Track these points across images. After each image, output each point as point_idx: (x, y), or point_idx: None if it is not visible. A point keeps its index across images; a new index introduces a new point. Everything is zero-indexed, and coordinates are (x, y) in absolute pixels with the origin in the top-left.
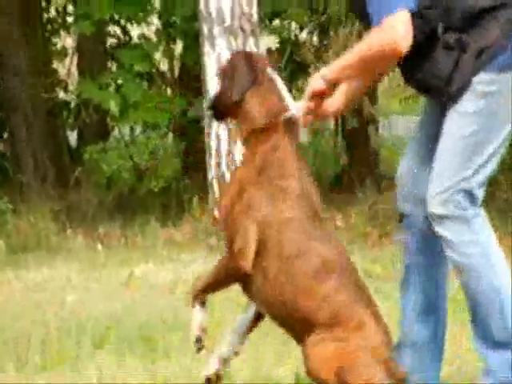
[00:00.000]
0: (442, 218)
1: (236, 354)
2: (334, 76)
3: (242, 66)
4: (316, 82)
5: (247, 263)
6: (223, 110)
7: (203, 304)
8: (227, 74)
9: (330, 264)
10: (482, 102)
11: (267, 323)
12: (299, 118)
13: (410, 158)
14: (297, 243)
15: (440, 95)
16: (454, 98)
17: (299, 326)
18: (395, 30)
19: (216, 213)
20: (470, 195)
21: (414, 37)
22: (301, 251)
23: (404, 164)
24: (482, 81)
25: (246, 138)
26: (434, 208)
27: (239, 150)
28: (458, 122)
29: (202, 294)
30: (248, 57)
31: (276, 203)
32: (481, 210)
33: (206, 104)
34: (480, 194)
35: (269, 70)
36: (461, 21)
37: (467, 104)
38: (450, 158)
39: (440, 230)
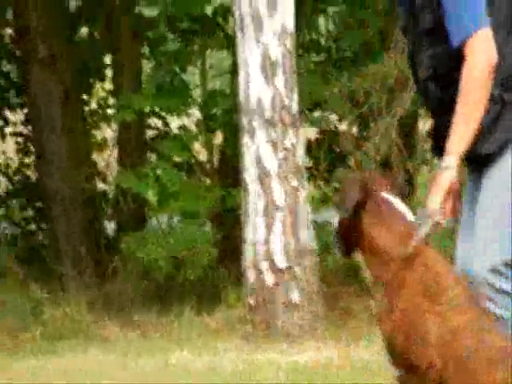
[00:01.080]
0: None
1: None
2: (460, 156)
3: (351, 185)
4: (447, 176)
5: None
6: (346, 239)
7: None
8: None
9: (503, 351)
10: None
11: None
12: (441, 223)
13: (464, 240)
14: (470, 344)
15: (477, 154)
16: (492, 157)
17: None
18: (481, 53)
19: None
20: None
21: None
22: (474, 350)
23: (459, 249)
24: None
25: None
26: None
27: (275, 238)
28: (496, 190)
29: None
30: (359, 179)
31: (446, 317)
32: None
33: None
34: None
35: (383, 192)
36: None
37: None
38: (491, 232)
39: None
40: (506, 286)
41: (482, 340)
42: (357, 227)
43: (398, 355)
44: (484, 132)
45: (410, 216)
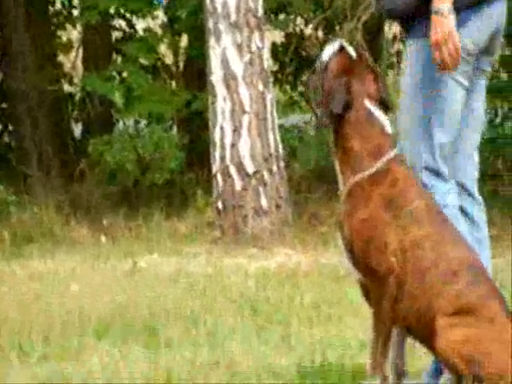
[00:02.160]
0: None
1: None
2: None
3: (341, 85)
4: (448, 22)
5: (396, 268)
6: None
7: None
8: (332, 83)
9: (462, 263)
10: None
11: (269, 316)
12: None
13: None
14: (429, 256)
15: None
16: None
17: (430, 326)
18: None
19: None
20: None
21: None
22: (434, 261)
23: None
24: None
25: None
26: None
27: (244, 143)
28: None
29: (384, 361)
30: (348, 81)
31: (408, 229)
32: None
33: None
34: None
35: (367, 101)
36: None
37: None
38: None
39: None
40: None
41: (441, 252)
42: (336, 127)
43: (357, 259)
44: None
45: (388, 129)
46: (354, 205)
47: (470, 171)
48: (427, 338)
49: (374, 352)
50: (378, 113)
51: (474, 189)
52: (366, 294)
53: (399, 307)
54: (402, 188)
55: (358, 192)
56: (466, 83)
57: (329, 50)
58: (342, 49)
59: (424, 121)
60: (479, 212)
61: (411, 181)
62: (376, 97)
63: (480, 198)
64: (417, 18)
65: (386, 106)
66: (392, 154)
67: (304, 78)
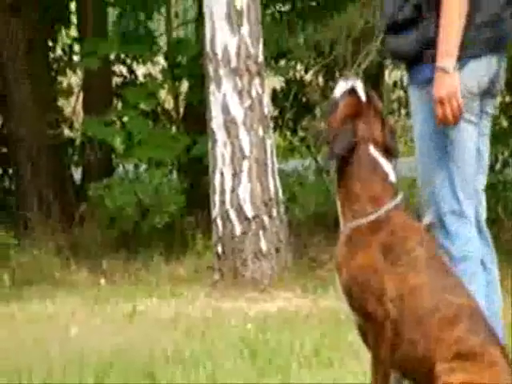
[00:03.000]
0: None
1: None
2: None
3: (347, 128)
4: (453, 80)
5: (393, 313)
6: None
7: None
8: (336, 124)
9: (461, 309)
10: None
11: (269, 359)
12: None
13: None
14: (428, 303)
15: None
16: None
17: (428, 372)
18: None
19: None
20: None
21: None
22: (433, 309)
23: None
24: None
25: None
26: None
27: (243, 188)
28: None
29: None
30: (353, 128)
31: (406, 277)
32: None
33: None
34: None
35: (372, 147)
36: None
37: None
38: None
39: None
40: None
41: (440, 298)
42: (340, 168)
43: (354, 303)
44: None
45: (392, 177)
46: (352, 250)
47: (481, 212)
48: (426, 383)
49: None
50: (382, 160)
51: (485, 229)
52: (364, 336)
53: (397, 352)
54: (401, 236)
55: (358, 237)
56: (474, 119)
57: (341, 87)
58: (353, 89)
59: (441, 165)
60: (489, 254)
61: (412, 229)
62: (382, 143)
63: (489, 238)
64: (421, 62)
65: (391, 153)
66: (393, 203)
67: (305, 122)
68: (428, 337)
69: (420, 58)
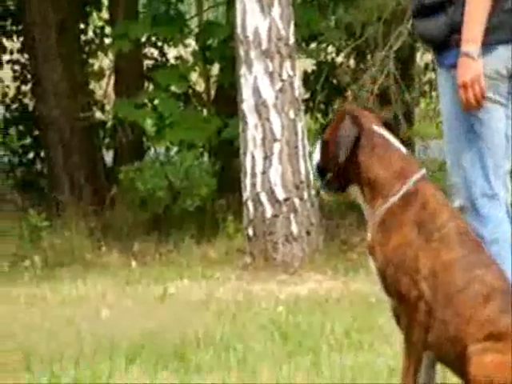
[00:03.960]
0: None
1: None
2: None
3: (345, 124)
4: (476, 65)
5: (426, 294)
6: (338, 178)
7: None
8: (330, 139)
9: (494, 288)
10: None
11: (299, 342)
12: None
13: None
14: (461, 279)
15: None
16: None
17: (461, 353)
18: None
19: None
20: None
21: None
22: (465, 285)
23: None
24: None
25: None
26: None
27: (274, 170)
28: None
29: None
30: (351, 114)
31: (439, 253)
32: None
33: (316, 182)
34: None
35: (375, 126)
36: None
37: None
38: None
39: None
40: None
41: (473, 276)
42: (353, 163)
43: (389, 286)
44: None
45: (403, 150)
46: (386, 232)
47: (504, 196)
48: (458, 365)
49: (405, 377)
50: (390, 136)
51: (510, 213)
52: (398, 319)
53: (430, 334)
54: (433, 210)
55: (390, 219)
56: (503, 101)
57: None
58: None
59: (471, 147)
60: None
61: (442, 201)
62: (381, 121)
63: None
64: (448, 47)
65: (392, 127)
66: (419, 174)
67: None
68: (460, 316)
69: (447, 43)
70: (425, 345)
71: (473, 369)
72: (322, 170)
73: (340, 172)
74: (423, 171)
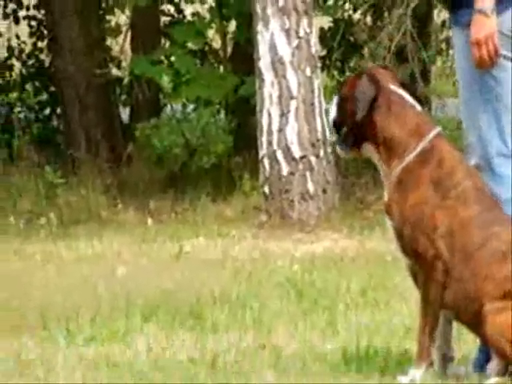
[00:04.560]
0: None
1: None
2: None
3: (362, 82)
4: (490, 23)
5: (444, 253)
6: (353, 135)
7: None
8: (347, 96)
9: (510, 246)
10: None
11: (315, 300)
12: None
13: None
14: (478, 236)
15: None
16: None
17: (477, 311)
18: None
19: None
20: None
21: None
22: (482, 242)
23: None
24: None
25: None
26: None
27: (291, 128)
28: None
29: (430, 347)
30: (369, 73)
31: (456, 210)
32: None
33: (331, 137)
34: None
35: (391, 85)
36: None
37: None
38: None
39: None
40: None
41: (490, 233)
42: (369, 122)
43: (406, 245)
44: None
45: (419, 108)
46: (403, 192)
47: None
48: (475, 324)
49: (421, 337)
50: (405, 94)
51: None
52: (415, 279)
53: (447, 292)
54: (449, 167)
55: (407, 177)
56: None
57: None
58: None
59: (487, 106)
60: None
61: (458, 159)
62: (398, 80)
63: None
64: (464, 6)
65: (407, 87)
66: (434, 131)
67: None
68: (477, 275)
69: (462, 1)
70: (441, 303)
71: (489, 327)
72: (338, 126)
73: (355, 129)
74: (439, 129)
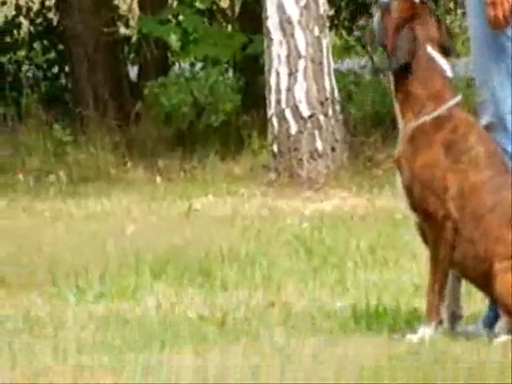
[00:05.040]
0: None
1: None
2: None
3: (404, 35)
4: None
5: (454, 213)
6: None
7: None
8: (391, 34)
9: None
10: None
11: (324, 258)
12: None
13: None
14: (489, 200)
15: None
16: None
17: (487, 271)
18: None
19: None
20: None
21: None
22: (493, 205)
23: None
24: None
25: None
26: None
27: (299, 87)
28: None
29: (439, 305)
30: (412, 26)
31: (468, 174)
32: None
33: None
34: None
35: (429, 48)
36: None
37: None
38: None
39: None
40: None
41: (501, 196)
42: (397, 72)
43: (416, 203)
44: None
45: (449, 75)
46: (415, 148)
47: None
48: (484, 283)
49: (430, 295)
50: (440, 59)
51: None
52: (424, 236)
53: (456, 251)
54: (463, 133)
55: (420, 136)
56: None
57: None
58: None
59: (500, 65)
60: None
61: (473, 127)
62: (438, 42)
63: None
64: None
65: (448, 51)
66: (455, 100)
67: (361, 21)
68: (487, 235)
69: None
70: (451, 262)
71: (498, 286)
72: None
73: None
74: (459, 98)
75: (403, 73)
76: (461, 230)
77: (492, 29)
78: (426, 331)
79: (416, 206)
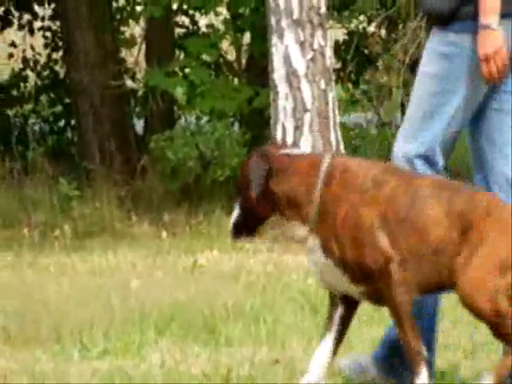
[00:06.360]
0: None
1: None
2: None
3: (252, 160)
4: (497, 37)
5: (390, 251)
6: (254, 219)
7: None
8: (243, 182)
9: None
10: (442, 63)
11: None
12: None
13: None
14: (404, 204)
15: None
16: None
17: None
18: None
19: None
20: (428, 160)
21: None
22: (411, 206)
23: None
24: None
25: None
26: None
27: (305, 141)
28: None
29: (418, 348)
30: (257, 152)
31: (376, 197)
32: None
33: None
34: (440, 161)
35: (280, 151)
36: None
37: (429, 65)
38: (412, 121)
39: None
40: None
41: (412, 190)
42: (268, 193)
43: (354, 268)
44: None
45: (306, 151)
46: (329, 219)
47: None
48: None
49: (407, 345)
50: (292, 148)
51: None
52: (376, 299)
53: (415, 277)
54: (354, 172)
55: (326, 207)
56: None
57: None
58: None
59: (426, 112)
60: None
61: (358, 161)
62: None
63: None
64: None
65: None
66: (327, 158)
67: (367, 75)
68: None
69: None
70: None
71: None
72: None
73: (258, 210)
74: (329, 154)
75: (273, 191)
76: (404, 255)
77: (487, 84)
78: (422, 377)
79: (355, 271)
